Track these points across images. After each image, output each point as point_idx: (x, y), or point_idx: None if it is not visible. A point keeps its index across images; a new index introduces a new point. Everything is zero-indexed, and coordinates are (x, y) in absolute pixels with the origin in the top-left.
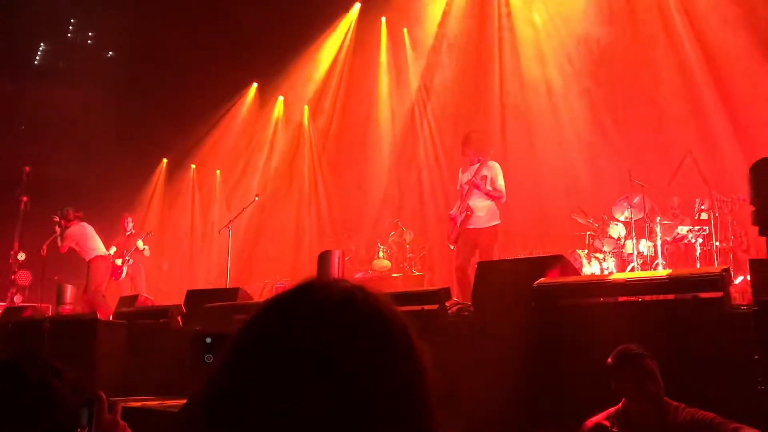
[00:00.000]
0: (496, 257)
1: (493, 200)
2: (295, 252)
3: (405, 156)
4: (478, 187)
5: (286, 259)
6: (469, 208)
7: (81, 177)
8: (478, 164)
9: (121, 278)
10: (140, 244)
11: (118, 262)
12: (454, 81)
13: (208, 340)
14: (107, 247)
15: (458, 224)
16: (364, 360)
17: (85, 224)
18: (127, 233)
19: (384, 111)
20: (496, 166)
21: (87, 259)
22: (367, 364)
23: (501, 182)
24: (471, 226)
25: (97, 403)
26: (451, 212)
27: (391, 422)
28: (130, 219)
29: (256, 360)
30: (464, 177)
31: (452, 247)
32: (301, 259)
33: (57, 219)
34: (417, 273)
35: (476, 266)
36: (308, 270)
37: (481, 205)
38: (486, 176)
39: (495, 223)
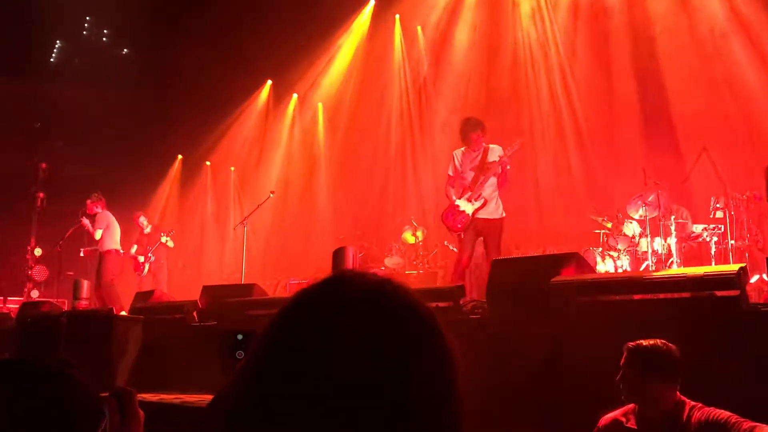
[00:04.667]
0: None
1: (501, 188)
2: (310, 249)
3: (418, 153)
4: (503, 176)
5: (300, 255)
6: (481, 197)
7: (96, 174)
8: (482, 149)
9: (143, 274)
10: (164, 238)
11: (141, 258)
12: (467, 77)
13: (240, 336)
14: (128, 247)
15: (472, 214)
16: (395, 353)
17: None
18: (146, 231)
19: (397, 108)
20: (500, 150)
21: (102, 250)
22: (398, 357)
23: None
24: (482, 216)
25: (128, 397)
26: (456, 200)
27: (421, 416)
28: (142, 216)
29: (285, 354)
30: (467, 162)
31: (462, 236)
32: (315, 256)
33: (88, 203)
34: (430, 270)
35: (490, 263)
36: (322, 267)
37: (492, 194)
38: (494, 161)
39: (503, 214)
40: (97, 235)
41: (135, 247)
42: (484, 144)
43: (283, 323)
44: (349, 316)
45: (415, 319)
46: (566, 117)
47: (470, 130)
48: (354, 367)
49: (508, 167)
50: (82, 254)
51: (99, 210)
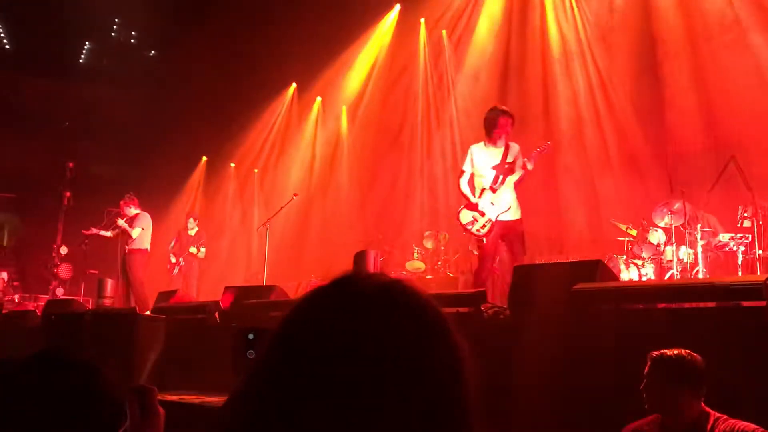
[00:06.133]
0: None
1: (517, 188)
2: (332, 251)
3: (442, 157)
4: (523, 176)
5: (321, 258)
6: (505, 201)
7: (122, 174)
8: (504, 146)
9: (174, 273)
10: (193, 249)
11: (173, 259)
12: (493, 81)
13: (251, 336)
14: (169, 239)
15: (495, 218)
16: (404, 351)
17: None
18: (189, 232)
19: (422, 112)
20: (518, 148)
21: (131, 247)
22: (407, 355)
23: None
24: (506, 218)
25: (148, 394)
26: (479, 201)
27: (430, 415)
28: (192, 218)
29: (294, 353)
30: (486, 159)
31: (484, 241)
32: (337, 258)
33: (121, 204)
34: (451, 275)
35: (512, 269)
36: (343, 270)
37: (513, 196)
38: (515, 160)
39: (521, 215)
40: (135, 233)
41: (173, 242)
42: (505, 137)
43: (291, 323)
44: (359, 314)
45: (425, 319)
46: (593, 122)
47: (500, 115)
48: (363, 364)
49: (530, 167)
50: (87, 232)
51: (133, 210)
